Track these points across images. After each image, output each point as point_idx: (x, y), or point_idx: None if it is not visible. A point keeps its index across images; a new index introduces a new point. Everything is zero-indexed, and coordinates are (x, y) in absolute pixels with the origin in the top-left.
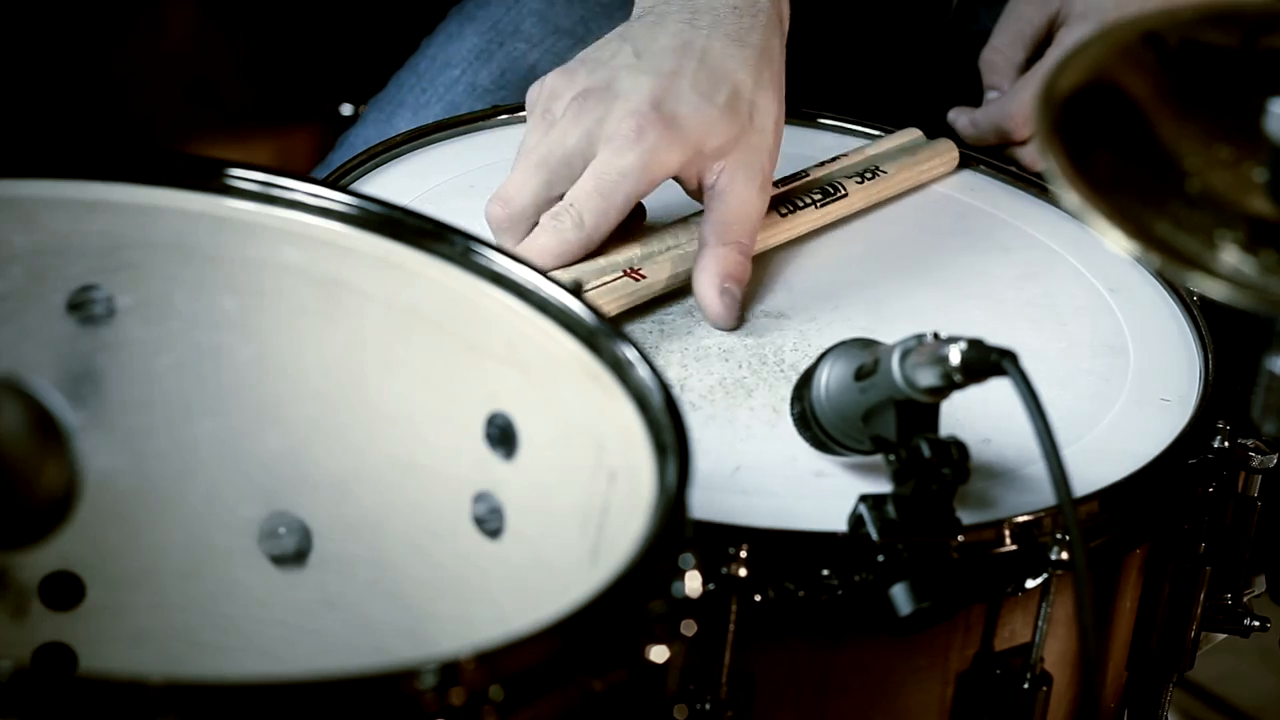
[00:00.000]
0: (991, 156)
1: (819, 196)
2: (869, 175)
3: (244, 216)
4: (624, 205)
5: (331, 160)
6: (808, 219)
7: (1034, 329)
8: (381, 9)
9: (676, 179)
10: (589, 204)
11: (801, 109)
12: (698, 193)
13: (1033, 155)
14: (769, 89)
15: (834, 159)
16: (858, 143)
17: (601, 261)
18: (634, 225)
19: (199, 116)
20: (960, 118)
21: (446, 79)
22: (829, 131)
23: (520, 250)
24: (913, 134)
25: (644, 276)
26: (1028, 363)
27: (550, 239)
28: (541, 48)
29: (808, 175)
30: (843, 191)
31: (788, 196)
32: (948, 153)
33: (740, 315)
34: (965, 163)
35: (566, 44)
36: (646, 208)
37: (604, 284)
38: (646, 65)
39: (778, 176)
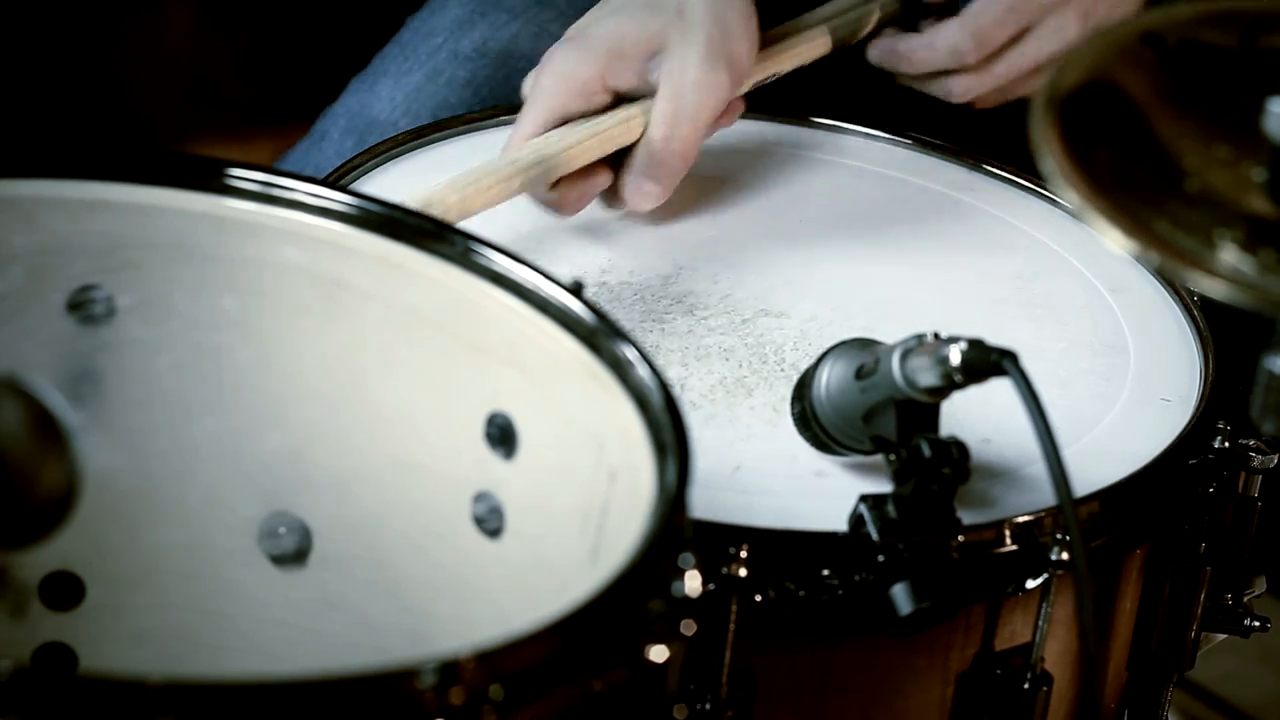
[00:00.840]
0: (987, 153)
1: None
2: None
3: (244, 216)
4: (548, 113)
5: (315, 130)
6: None
7: (1034, 329)
8: (381, 9)
9: (620, 93)
10: (523, 115)
11: (798, 109)
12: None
13: (964, 85)
14: None
15: None
16: (854, 140)
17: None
18: None
19: (199, 116)
20: (880, 45)
21: (429, 47)
22: (825, 130)
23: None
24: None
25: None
26: (1028, 363)
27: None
28: (523, 18)
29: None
30: None
31: None
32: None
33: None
34: (967, 163)
35: (548, 15)
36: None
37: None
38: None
39: None
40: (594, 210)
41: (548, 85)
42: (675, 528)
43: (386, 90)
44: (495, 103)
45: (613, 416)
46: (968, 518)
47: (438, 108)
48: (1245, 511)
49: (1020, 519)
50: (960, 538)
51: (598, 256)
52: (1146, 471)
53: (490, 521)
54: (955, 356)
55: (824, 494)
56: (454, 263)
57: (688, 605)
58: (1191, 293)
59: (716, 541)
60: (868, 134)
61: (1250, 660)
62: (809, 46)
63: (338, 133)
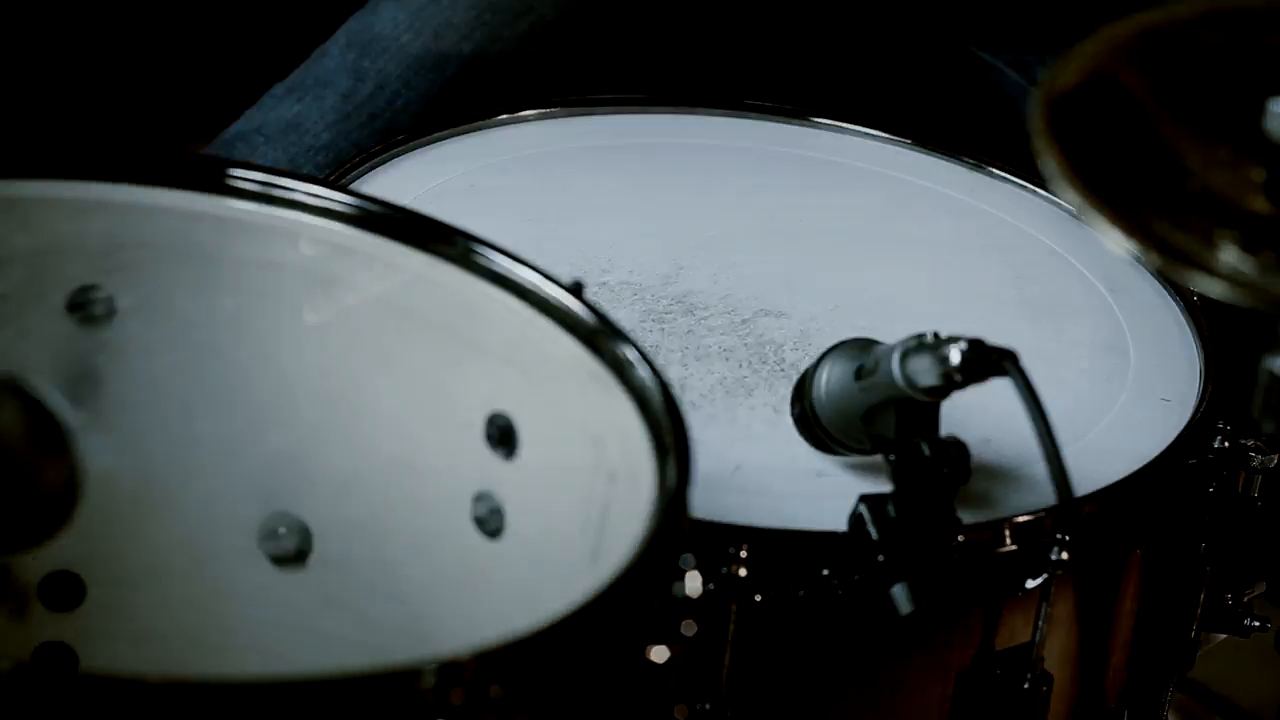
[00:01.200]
0: (987, 153)
1: None
2: None
3: (244, 216)
4: None
5: (315, 52)
6: None
7: (1034, 329)
8: None
9: None
10: None
11: (798, 109)
12: None
13: None
14: None
15: None
16: (854, 140)
17: None
18: None
19: (199, 116)
20: None
21: None
22: (825, 130)
23: None
24: None
25: None
26: (1028, 363)
27: None
28: None
29: None
30: None
31: None
32: None
33: None
34: (967, 164)
35: None
36: None
37: None
38: None
39: None
40: (593, 209)
41: None
42: (675, 528)
43: (389, 11)
44: (498, 26)
45: (613, 417)
46: (968, 518)
47: (441, 26)
48: (1245, 511)
49: (1020, 519)
50: (960, 538)
51: (598, 256)
52: (1146, 471)
53: (490, 522)
54: (955, 356)
55: (824, 494)
56: (454, 263)
57: (688, 605)
58: (1191, 293)
59: (716, 541)
60: (868, 134)
61: (1250, 660)
62: None
63: (338, 49)
